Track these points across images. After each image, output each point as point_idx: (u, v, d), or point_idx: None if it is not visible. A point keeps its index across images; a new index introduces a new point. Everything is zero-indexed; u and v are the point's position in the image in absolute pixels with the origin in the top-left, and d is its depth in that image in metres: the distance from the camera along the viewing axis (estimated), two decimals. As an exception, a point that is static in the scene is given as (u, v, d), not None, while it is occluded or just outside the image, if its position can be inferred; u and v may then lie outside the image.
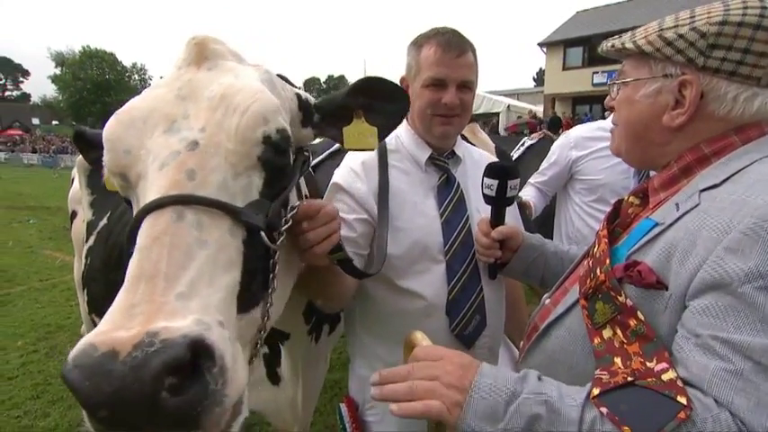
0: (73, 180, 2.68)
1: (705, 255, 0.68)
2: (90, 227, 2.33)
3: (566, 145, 2.26)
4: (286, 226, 0.88)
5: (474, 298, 1.28)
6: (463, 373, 0.73)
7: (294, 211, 0.91)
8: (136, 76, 54.09)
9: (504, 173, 1.21)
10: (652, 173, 0.96)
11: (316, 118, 1.05)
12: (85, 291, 2.32)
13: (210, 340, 0.60)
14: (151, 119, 0.79)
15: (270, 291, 0.85)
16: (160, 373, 0.55)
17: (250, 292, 0.78)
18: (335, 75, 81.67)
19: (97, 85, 46.74)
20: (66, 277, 5.73)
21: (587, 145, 2.17)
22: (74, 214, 2.63)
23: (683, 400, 0.62)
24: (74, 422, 2.87)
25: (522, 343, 1.06)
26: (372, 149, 1.12)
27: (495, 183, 1.20)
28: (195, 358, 0.59)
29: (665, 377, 0.66)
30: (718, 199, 0.73)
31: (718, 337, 0.63)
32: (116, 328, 0.59)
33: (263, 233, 0.80)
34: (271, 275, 0.84)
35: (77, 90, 45.97)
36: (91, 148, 1.01)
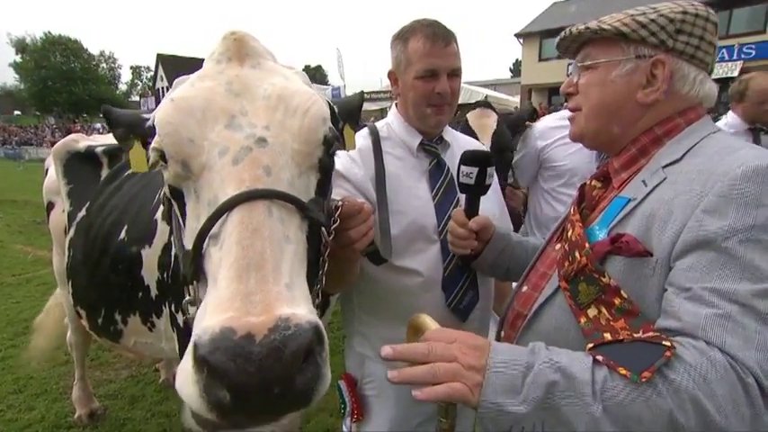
0: (47, 170, 2.62)
1: (684, 219, 0.75)
2: (69, 218, 2.30)
3: (532, 136, 2.40)
4: (335, 225, 0.95)
5: (467, 274, 1.35)
6: (479, 353, 0.74)
7: (339, 211, 0.98)
8: (104, 65, 52.06)
9: (483, 160, 1.19)
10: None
11: (340, 124, 1.08)
12: (70, 283, 2.29)
13: (322, 327, 0.66)
14: (210, 111, 0.80)
15: (319, 286, 0.90)
16: (298, 354, 0.61)
17: (311, 285, 0.82)
18: (312, 65, 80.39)
19: (62, 73, 44.71)
20: (41, 272, 5.57)
21: (551, 134, 2.31)
22: (50, 205, 2.56)
23: (667, 342, 0.68)
24: (61, 414, 2.85)
25: (504, 330, 1.07)
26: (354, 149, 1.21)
27: (474, 171, 1.18)
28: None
29: (647, 335, 0.73)
30: (684, 171, 0.81)
31: (706, 288, 0.70)
32: (244, 314, 0.62)
33: (323, 229, 0.85)
34: (321, 272, 0.90)
35: (41, 78, 43.87)
36: (116, 125, 0.99)
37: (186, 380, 0.64)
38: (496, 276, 1.36)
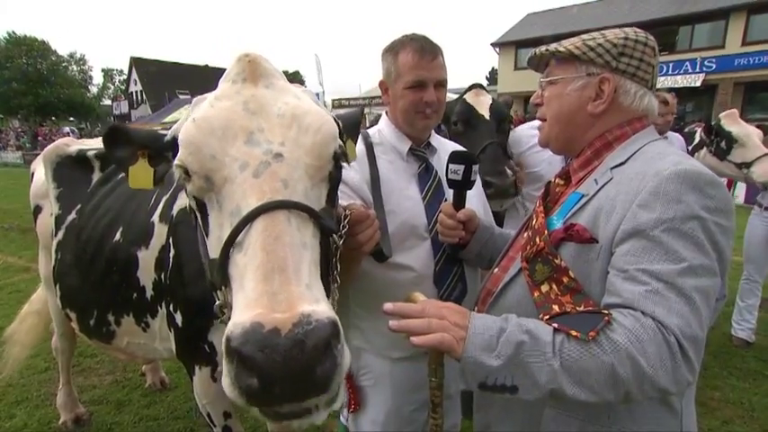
0: (33, 175, 2.61)
1: (623, 213, 0.91)
2: (58, 221, 2.30)
3: (508, 144, 2.55)
4: (344, 230, 1.05)
5: (456, 269, 1.46)
6: (463, 315, 0.91)
7: (348, 218, 1.08)
8: (74, 67, 50.36)
9: (468, 159, 1.35)
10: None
11: (344, 137, 1.16)
12: (58, 286, 2.29)
13: (339, 323, 0.74)
14: (229, 129, 0.87)
15: (336, 286, 1.00)
16: (319, 346, 0.68)
17: (325, 286, 0.91)
18: (290, 70, 79.97)
19: (28, 75, 42.99)
20: (13, 279, 5.42)
21: (525, 142, 2.49)
22: (38, 209, 2.55)
23: (605, 311, 0.86)
24: (44, 420, 2.81)
25: (477, 306, 1.21)
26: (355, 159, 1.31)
27: (461, 168, 1.34)
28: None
29: (588, 309, 0.91)
30: (626, 173, 0.98)
31: (639, 269, 0.86)
32: (270, 311, 0.70)
33: (335, 235, 0.94)
34: (335, 272, 0.99)
35: (4, 80, 42.06)
36: (121, 145, 1.05)
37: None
38: (481, 266, 1.49)
